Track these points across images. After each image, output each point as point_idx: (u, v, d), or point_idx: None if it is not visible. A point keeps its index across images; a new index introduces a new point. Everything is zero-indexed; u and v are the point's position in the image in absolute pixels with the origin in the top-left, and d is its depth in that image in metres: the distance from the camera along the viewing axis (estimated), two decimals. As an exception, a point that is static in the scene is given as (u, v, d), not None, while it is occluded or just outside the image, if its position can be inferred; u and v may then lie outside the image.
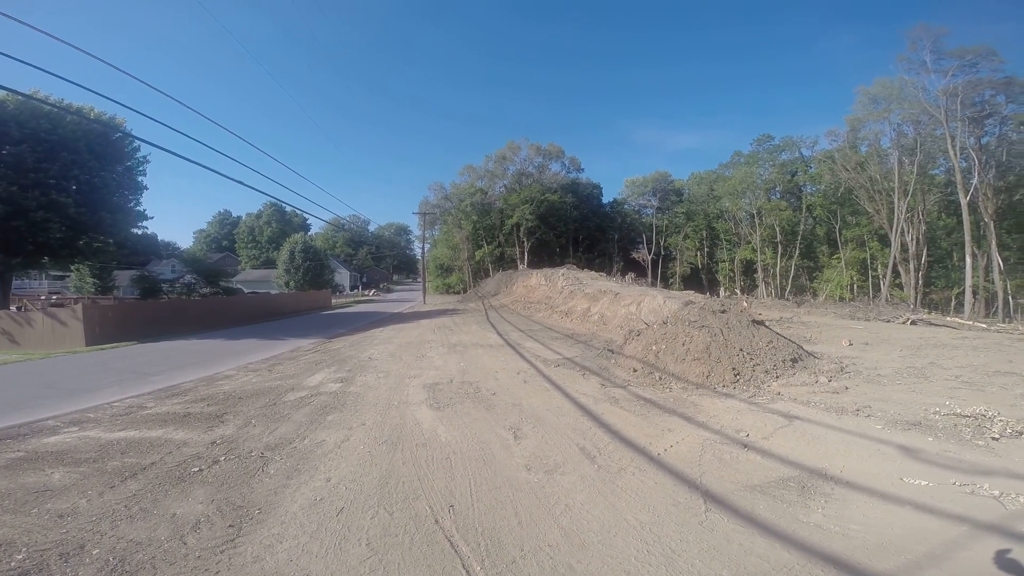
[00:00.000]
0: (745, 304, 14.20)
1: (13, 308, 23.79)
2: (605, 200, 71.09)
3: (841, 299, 38.41)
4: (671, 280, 60.83)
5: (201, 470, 5.36)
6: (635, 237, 67.44)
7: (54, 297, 37.31)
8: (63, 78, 8.96)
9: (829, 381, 8.37)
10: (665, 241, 64.21)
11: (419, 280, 67.33)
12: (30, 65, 8.45)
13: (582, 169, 67.42)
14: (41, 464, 5.68)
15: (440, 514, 4.26)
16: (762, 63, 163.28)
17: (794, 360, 9.40)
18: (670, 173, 68.58)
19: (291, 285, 50.14)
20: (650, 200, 67.04)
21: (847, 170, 41.90)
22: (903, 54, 35.56)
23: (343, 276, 77.33)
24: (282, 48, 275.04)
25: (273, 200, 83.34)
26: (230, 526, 4.09)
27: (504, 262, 59.62)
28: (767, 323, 12.05)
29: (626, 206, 70.15)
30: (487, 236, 60.31)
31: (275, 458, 5.69)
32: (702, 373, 8.95)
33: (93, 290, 39.92)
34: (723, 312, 11.24)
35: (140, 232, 31.96)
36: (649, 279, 53.02)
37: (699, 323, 10.50)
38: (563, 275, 31.32)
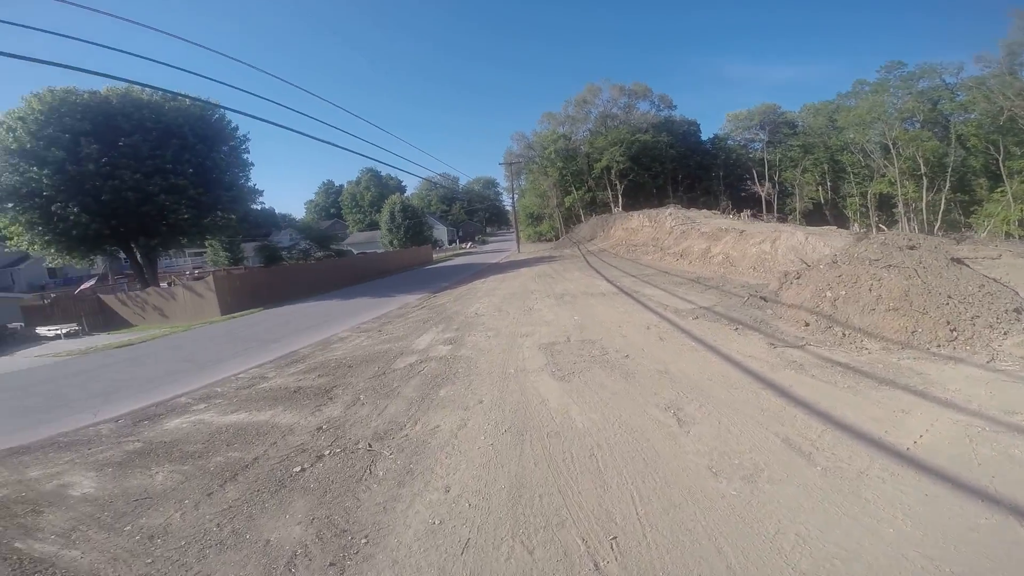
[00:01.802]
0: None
1: (164, 284, 26.70)
2: (704, 137, 64.33)
3: (1008, 235, 32.63)
4: (790, 216, 53.87)
5: (303, 469, 4.57)
6: (742, 173, 60.55)
7: (196, 272, 42.05)
8: (168, 64, 8.95)
9: (1078, 338, 5.71)
10: (779, 176, 56.72)
11: (511, 230, 66.66)
12: (130, 54, 8.42)
13: (674, 107, 60.71)
14: (150, 461, 5.32)
15: (599, 552, 2.93)
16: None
17: (1017, 310, 6.66)
18: (779, 105, 59.77)
19: (394, 244, 52.05)
20: (758, 134, 59.74)
21: (1008, 97, 35.09)
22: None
23: (440, 231, 79.01)
24: (358, 21, 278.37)
25: (371, 162, 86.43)
26: (331, 564, 3.13)
27: (596, 206, 56.57)
28: (967, 261, 8.98)
29: (729, 142, 63.14)
30: (575, 182, 57.54)
31: (384, 452, 4.75)
32: (904, 328, 6.58)
33: (226, 262, 44.35)
34: (912, 248, 8.47)
35: (259, 207, 34.25)
36: (765, 215, 47.24)
37: (884, 262, 7.93)
38: (671, 215, 28.27)
